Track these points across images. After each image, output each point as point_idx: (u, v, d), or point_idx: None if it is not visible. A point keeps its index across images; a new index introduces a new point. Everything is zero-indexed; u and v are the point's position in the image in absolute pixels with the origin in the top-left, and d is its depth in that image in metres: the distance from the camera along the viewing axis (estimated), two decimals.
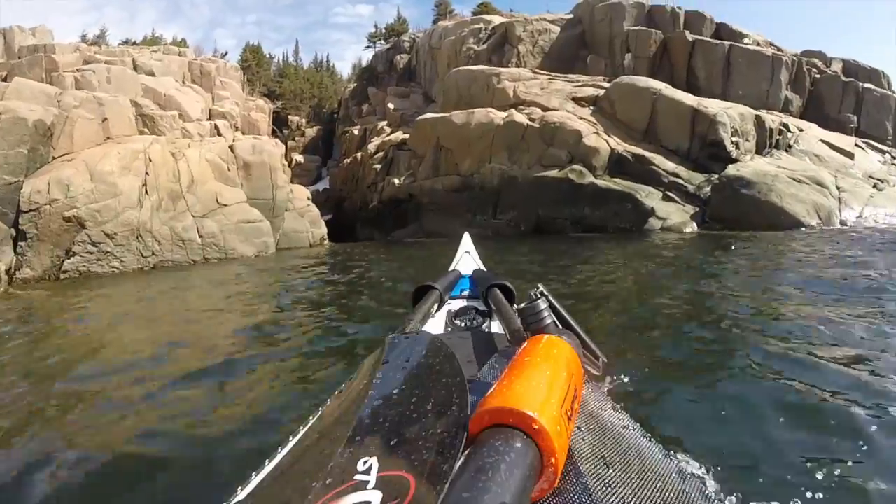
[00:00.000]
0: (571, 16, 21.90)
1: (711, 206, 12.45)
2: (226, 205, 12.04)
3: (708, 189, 12.82)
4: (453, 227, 15.43)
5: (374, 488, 0.44)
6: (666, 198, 12.84)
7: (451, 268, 1.81)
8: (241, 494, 0.57)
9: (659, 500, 0.51)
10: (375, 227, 17.37)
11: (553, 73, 18.73)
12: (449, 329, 1.24)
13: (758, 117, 14.38)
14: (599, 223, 12.92)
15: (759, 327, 3.20)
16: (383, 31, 36.27)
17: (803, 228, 10.94)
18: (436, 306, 1.27)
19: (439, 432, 0.51)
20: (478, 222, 14.87)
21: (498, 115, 15.32)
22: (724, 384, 2.32)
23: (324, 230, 14.72)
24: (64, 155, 10.61)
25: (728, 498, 1.14)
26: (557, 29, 21.21)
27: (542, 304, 0.91)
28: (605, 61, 19.49)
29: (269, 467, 0.62)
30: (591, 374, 0.86)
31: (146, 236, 10.56)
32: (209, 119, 16.86)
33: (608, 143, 13.98)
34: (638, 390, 2.12)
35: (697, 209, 12.53)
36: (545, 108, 15.59)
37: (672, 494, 0.53)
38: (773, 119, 14.86)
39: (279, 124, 31.96)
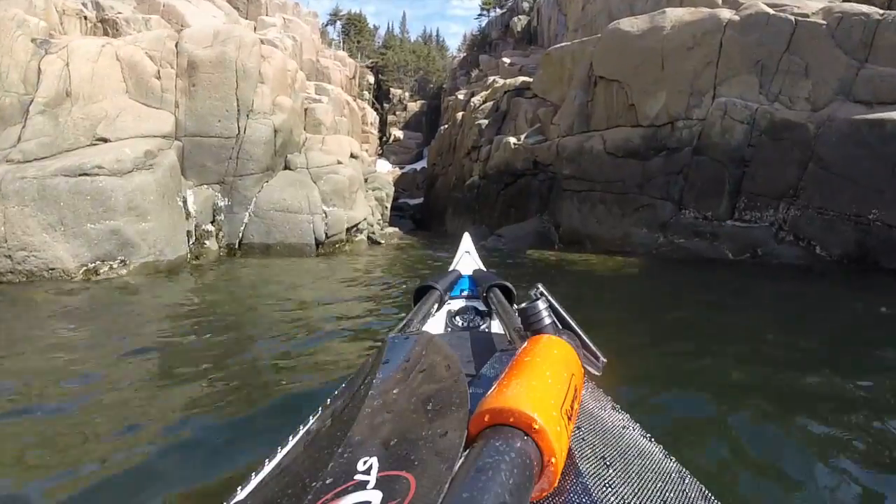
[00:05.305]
0: None
1: None
2: (107, 139, 6.05)
3: None
4: (626, 228, 7.96)
5: (374, 488, 0.43)
6: None
7: (450, 268, 1.77)
8: (241, 494, 0.55)
9: (659, 501, 0.51)
10: (472, 216, 10.85)
11: None
12: (449, 329, 1.29)
13: None
14: None
15: None
16: None
17: None
18: (436, 306, 1.25)
19: (439, 432, 0.50)
20: (687, 221, 7.54)
21: (724, 10, 7.87)
22: None
23: (362, 213, 8.15)
24: None
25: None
26: None
27: (542, 305, 0.83)
28: None
29: (268, 467, 0.59)
30: (590, 374, 0.81)
31: None
32: None
33: None
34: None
35: None
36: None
37: (672, 495, 0.52)
38: None
39: (380, 98, 29.86)
